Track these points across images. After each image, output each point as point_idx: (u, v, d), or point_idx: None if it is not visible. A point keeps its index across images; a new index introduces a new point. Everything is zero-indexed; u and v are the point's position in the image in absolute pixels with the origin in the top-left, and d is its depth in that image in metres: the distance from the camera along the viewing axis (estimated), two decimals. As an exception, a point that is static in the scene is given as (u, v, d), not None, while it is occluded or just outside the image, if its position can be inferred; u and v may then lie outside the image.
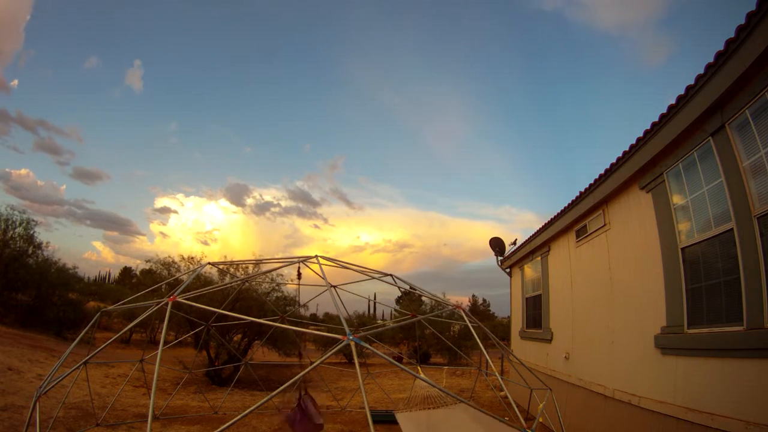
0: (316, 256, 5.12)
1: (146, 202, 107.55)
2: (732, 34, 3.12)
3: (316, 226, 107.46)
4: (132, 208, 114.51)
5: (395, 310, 14.85)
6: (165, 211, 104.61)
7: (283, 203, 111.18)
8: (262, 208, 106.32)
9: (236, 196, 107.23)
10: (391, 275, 5.88)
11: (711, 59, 3.38)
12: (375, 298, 28.63)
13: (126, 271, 44.68)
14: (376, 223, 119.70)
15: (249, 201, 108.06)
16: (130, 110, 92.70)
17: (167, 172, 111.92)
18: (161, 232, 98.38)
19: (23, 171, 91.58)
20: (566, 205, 6.83)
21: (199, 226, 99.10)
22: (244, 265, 12.81)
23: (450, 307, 6.26)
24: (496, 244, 11.19)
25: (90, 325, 5.40)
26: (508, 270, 11.01)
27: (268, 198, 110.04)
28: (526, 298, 9.39)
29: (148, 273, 16.47)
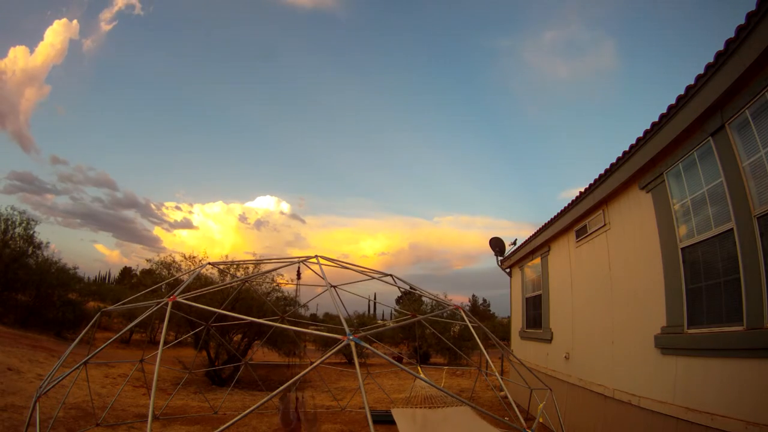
0: (317, 256, 5.12)
1: (156, 211, 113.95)
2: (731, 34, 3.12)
3: (294, 240, 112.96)
4: (137, 216, 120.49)
5: (395, 310, 14.83)
6: (182, 224, 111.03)
7: (272, 220, 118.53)
8: (258, 224, 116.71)
9: (236, 212, 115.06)
10: (391, 275, 5.89)
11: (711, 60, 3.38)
12: (375, 298, 28.61)
13: (126, 271, 44.68)
14: (368, 231, 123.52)
15: (248, 217, 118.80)
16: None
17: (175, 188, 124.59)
18: (171, 238, 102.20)
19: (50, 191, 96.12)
20: (566, 205, 6.82)
21: (206, 231, 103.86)
22: (244, 265, 12.81)
23: (450, 308, 6.26)
24: (496, 244, 11.16)
25: (90, 325, 5.41)
26: (508, 270, 11.00)
27: (262, 214, 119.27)
28: (526, 298, 9.39)
29: (147, 273, 16.44)
